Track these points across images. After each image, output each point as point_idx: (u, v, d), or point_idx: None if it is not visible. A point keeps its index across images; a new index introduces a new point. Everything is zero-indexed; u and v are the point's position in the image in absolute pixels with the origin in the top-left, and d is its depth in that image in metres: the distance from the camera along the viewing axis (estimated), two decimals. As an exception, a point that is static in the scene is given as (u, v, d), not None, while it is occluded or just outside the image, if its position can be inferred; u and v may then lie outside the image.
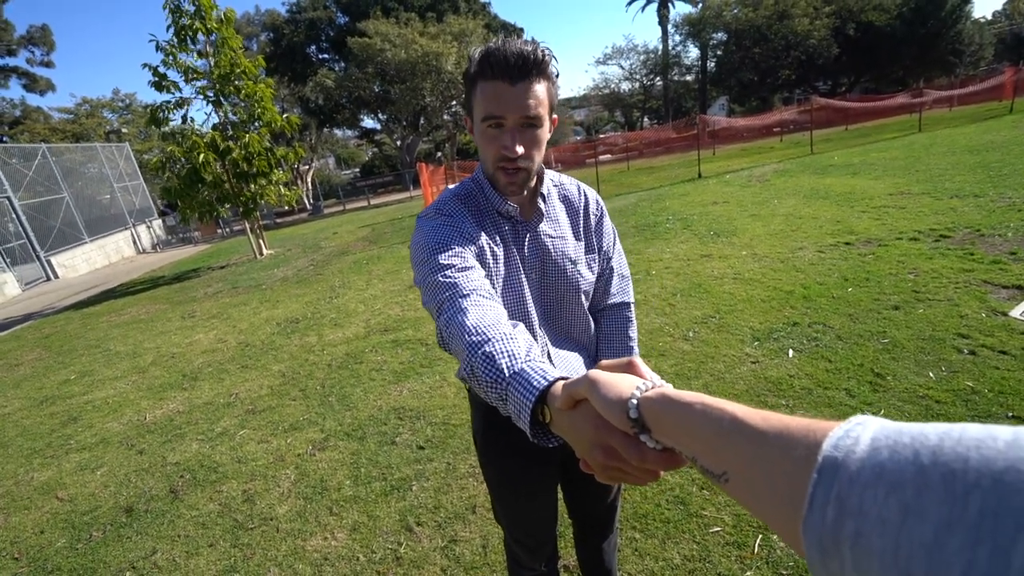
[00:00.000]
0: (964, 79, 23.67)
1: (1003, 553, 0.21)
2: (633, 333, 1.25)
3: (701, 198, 9.27)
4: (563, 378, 0.57)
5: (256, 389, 3.96)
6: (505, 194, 1.01)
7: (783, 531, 0.32)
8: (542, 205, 1.08)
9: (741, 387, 2.91)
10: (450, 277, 0.83)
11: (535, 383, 0.58)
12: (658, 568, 1.85)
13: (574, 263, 1.11)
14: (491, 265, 0.99)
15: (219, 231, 21.03)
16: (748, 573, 1.77)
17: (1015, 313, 3.25)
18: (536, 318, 1.07)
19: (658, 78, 33.88)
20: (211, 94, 10.16)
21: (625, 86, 34.88)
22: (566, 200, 1.16)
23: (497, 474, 1.23)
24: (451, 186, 1.09)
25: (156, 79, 9.50)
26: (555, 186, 1.15)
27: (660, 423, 0.42)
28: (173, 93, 9.75)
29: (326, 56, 27.87)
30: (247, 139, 9.87)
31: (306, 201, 25.38)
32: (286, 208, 24.71)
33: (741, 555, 1.85)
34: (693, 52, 32.60)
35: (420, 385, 3.55)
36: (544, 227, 1.09)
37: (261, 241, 11.83)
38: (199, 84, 10.06)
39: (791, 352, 3.20)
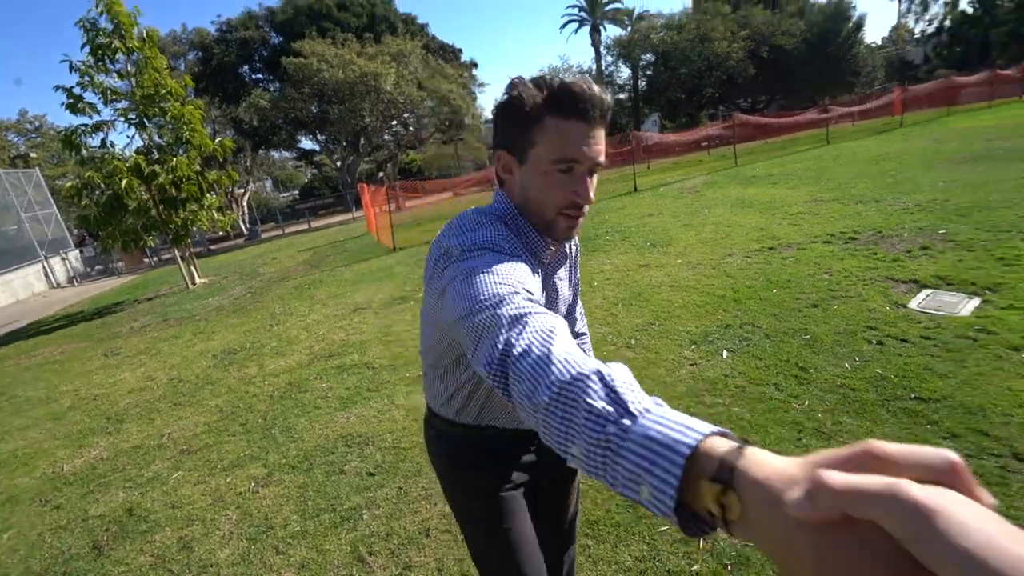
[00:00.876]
0: (862, 97, 26.17)
1: None
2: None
3: (638, 210, 9.68)
4: (747, 443, 0.36)
5: (191, 427, 3.73)
6: (558, 239, 0.94)
7: None
8: (568, 251, 1.06)
9: (681, 389, 3.05)
10: (521, 300, 0.65)
11: (686, 433, 0.37)
12: (611, 571, 1.90)
13: (565, 304, 1.09)
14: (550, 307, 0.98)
15: (146, 260, 19.71)
16: (696, 567, 1.85)
17: (913, 305, 3.61)
18: None
19: (593, 97, 35.23)
20: (133, 116, 9.60)
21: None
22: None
23: (486, 508, 1.09)
24: (479, 210, 0.94)
25: (71, 101, 8.88)
26: None
27: None
28: (90, 116, 9.13)
29: (260, 76, 27.03)
30: (175, 163, 9.38)
31: (242, 226, 24.28)
32: (220, 234, 23.56)
33: (688, 551, 1.93)
34: (625, 72, 34.24)
35: (367, 410, 3.48)
36: (560, 271, 1.06)
37: (193, 269, 11.19)
38: (120, 106, 9.48)
39: (725, 353, 3.39)
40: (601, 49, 34.64)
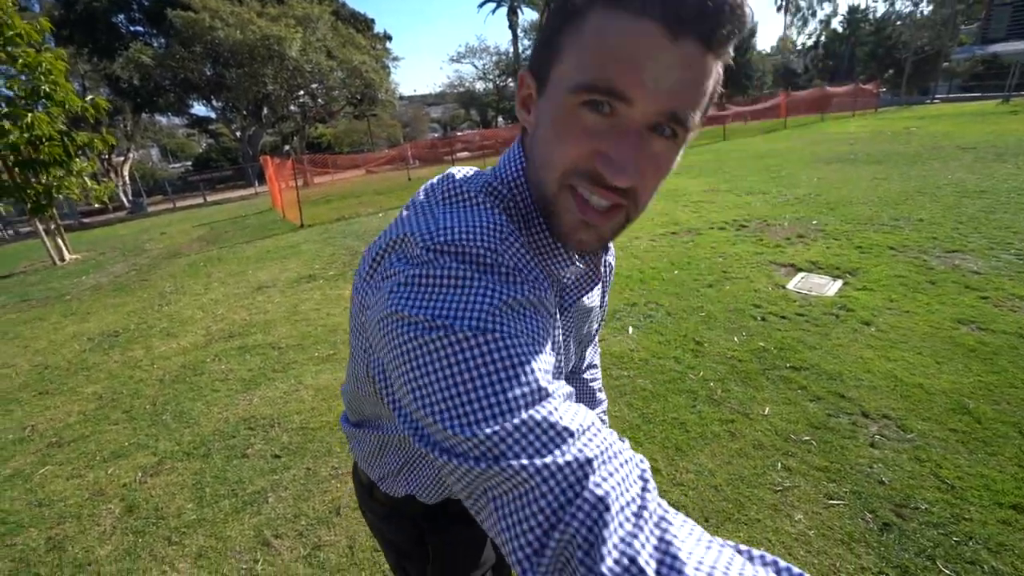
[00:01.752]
0: (755, 99, 28.70)
1: None
2: (603, 413, 0.99)
3: (555, 195, 9.92)
4: None
5: (62, 417, 3.30)
6: (565, 239, 0.53)
7: None
8: (602, 266, 0.69)
9: (591, 362, 3.21)
10: (578, 443, 0.38)
11: None
12: None
13: (581, 341, 0.77)
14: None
15: (-5, 234, 16.89)
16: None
17: (790, 286, 4.08)
18: None
19: (511, 79, 35.30)
20: (-28, 61, 8.09)
21: (479, 85, 35.75)
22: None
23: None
24: (467, 176, 0.56)
25: None
26: None
27: None
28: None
29: (140, 28, 23.84)
30: (30, 119, 8.06)
31: (123, 198, 21.52)
32: (96, 206, 20.69)
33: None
34: (543, 58, 34.60)
35: (273, 391, 3.29)
36: (586, 298, 0.70)
37: (61, 244, 9.76)
38: (-48, 47, 7.93)
39: (631, 329, 3.62)
40: (519, 32, 34.69)
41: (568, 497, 0.36)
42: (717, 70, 0.46)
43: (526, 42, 33.94)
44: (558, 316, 0.61)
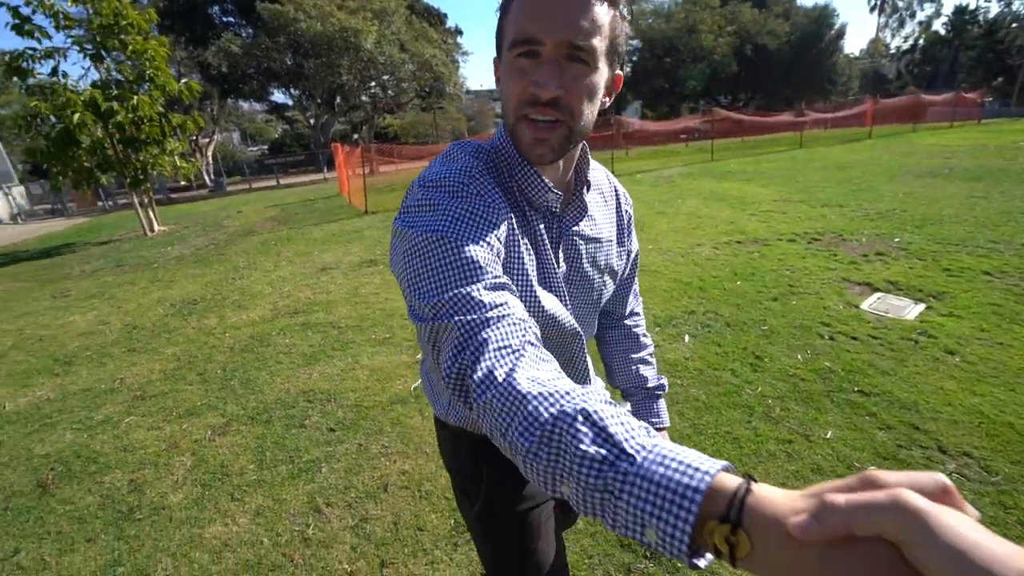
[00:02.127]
0: (837, 105, 26.94)
1: None
2: (650, 355, 1.07)
3: (615, 195, 9.76)
4: (751, 480, 0.35)
5: (146, 374, 3.62)
6: (528, 158, 0.69)
7: None
8: (586, 197, 0.80)
9: (643, 368, 3.15)
10: (485, 299, 0.55)
11: (691, 475, 0.36)
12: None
13: (602, 273, 0.87)
14: (529, 272, 0.71)
15: (100, 203, 18.63)
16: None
17: (864, 306, 3.82)
18: (582, 340, 0.84)
19: (579, 78, 35.03)
20: (90, 47, 8.94)
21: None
22: (603, 193, 0.89)
23: (514, 525, 0.93)
24: (463, 142, 0.76)
25: (17, 21, 8.18)
26: (592, 170, 0.85)
27: None
28: (40, 40, 8.45)
29: (231, 20, 25.49)
30: (135, 101, 8.84)
31: (206, 176, 23.19)
32: (183, 183, 22.43)
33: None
34: (612, 56, 34.03)
35: (331, 368, 3.45)
36: (583, 228, 0.81)
37: (152, 216, 10.67)
38: (75, 33, 8.81)
39: (687, 337, 3.51)
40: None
41: (468, 338, 0.53)
42: (609, 10, 0.62)
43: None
44: (544, 236, 0.76)
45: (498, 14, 0.68)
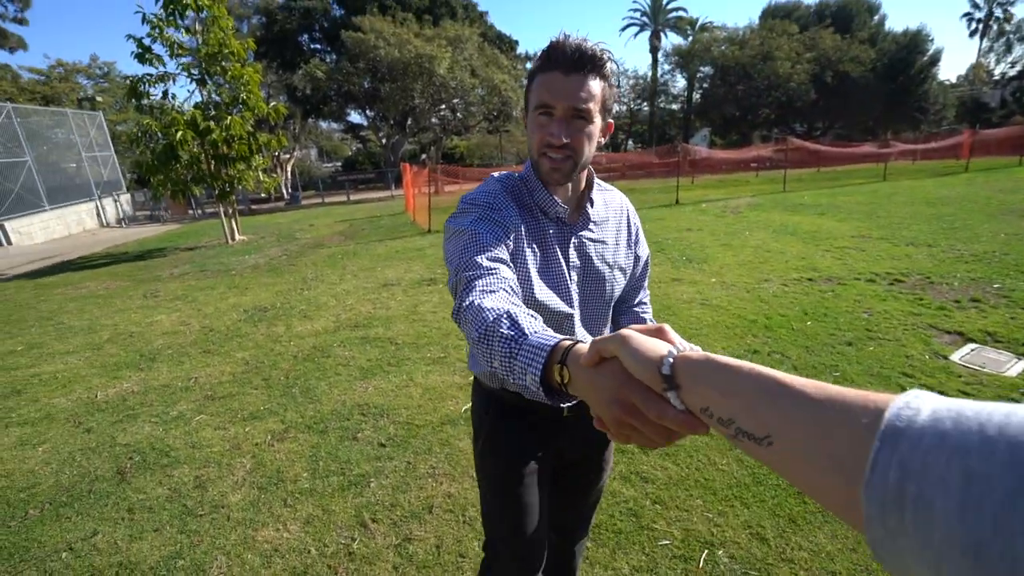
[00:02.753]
0: (927, 135, 25.07)
1: None
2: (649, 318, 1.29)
3: (677, 223, 9.53)
4: (579, 342, 0.59)
5: (217, 375, 3.88)
6: (548, 182, 1.01)
7: (827, 496, 0.33)
8: (589, 210, 1.09)
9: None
10: (483, 264, 0.86)
11: (550, 341, 0.61)
12: (607, 576, 1.90)
13: (611, 268, 1.13)
14: (530, 265, 1.01)
15: (191, 212, 20.43)
16: (692, 585, 1.84)
17: (955, 357, 3.47)
18: (578, 321, 1.10)
19: (645, 104, 34.77)
20: (196, 72, 9.95)
21: (613, 108, 35.64)
22: (610, 205, 1.17)
23: (502, 465, 1.18)
24: (496, 174, 1.10)
25: (140, 51, 9.24)
26: (599, 190, 1.14)
27: (696, 381, 0.42)
28: (156, 67, 9.50)
29: (318, 46, 27.54)
30: (229, 121, 9.68)
31: (284, 190, 24.90)
32: (263, 195, 24.15)
33: (687, 568, 1.91)
34: (680, 82, 33.64)
35: (386, 383, 3.54)
36: (589, 232, 1.10)
37: (234, 226, 11.56)
38: (184, 60, 9.83)
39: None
40: (659, 56, 34.07)
41: (468, 285, 0.83)
42: (600, 83, 0.93)
43: (666, 66, 33.21)
44: (553, 237, 1.06)
45: (525, 82, 1.01)
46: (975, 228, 7.38)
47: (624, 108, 35.22)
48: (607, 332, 1.05)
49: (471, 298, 0.79)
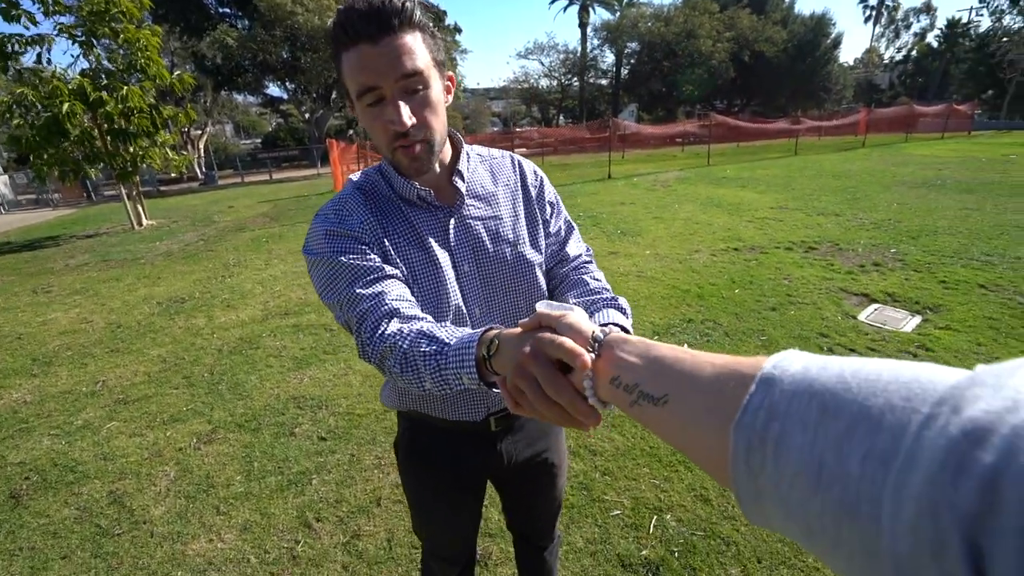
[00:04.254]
0: (831, 113, 27.15)
1: (895, 438, 0.24)
2: (598, 283, 0.99)
3: (610, 198, 9.73)
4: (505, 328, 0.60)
5: (129, 376, 3.51)
6: (411, 176, 0.86)
7: (704, 450, 0.35)
8: (460, 184, 0.91)
9: (641, 379, 3.10)
10: (364, 293, 0.76)
11: (474, 337, 0.60)
12: (562, 553, 1.92)
13: (514, 245, 0.96)
14: (402, 266, 0.86)
15: (86, 195, 18.30)
16: (644, 552, 1.90)
17: (862, 317, 3.80)
18: (473, 315, 0.94)
19: (575, 79, 34.96)
20: (79, 33, 8.73)
21: (544, 83, 35.57)
22: (499, 174, 1.00)
23: (418, 488, 1.15)
24: (354, 176, 0.94)
25: (4, 6, 7.95)
26: (481, 160, 1.00)
27: (618, 350, 0.45)
28: (27, 26, 8.23)
29: (227, 11, 25.11)
30: (125, 92, 8.63)
31: (197, 170, 22.87)
32: (173, 175, 22.08)
33: (638, 536, 1.97)
34: (609, 57, 34.07)
35: (323, 373, 3.36)
36: (470, 209, 0.93)
37: (140, 209, 10.46)
38: (63, 20, 8.59)
39: (685, 346, 3.46)
40: (588, 31, 34.22)
41: (361, 323, 0.75)
42: (418, 35, 0.75)
43: (596, 41, 33.41)
44: (424, 226, 0.90)
45: (334, 66, 0.81)
46: (873, 198, 8.11)
47: (555, 83, 35.25)
48: None
49: (372, 333, 0.73)
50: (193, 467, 2.49)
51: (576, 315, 0.51)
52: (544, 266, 1.02)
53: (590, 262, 1.06)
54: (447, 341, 0.64)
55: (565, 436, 1.28)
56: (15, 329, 4.62)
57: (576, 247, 1.06)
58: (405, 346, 0.67)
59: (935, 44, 36.33)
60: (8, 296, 5.76)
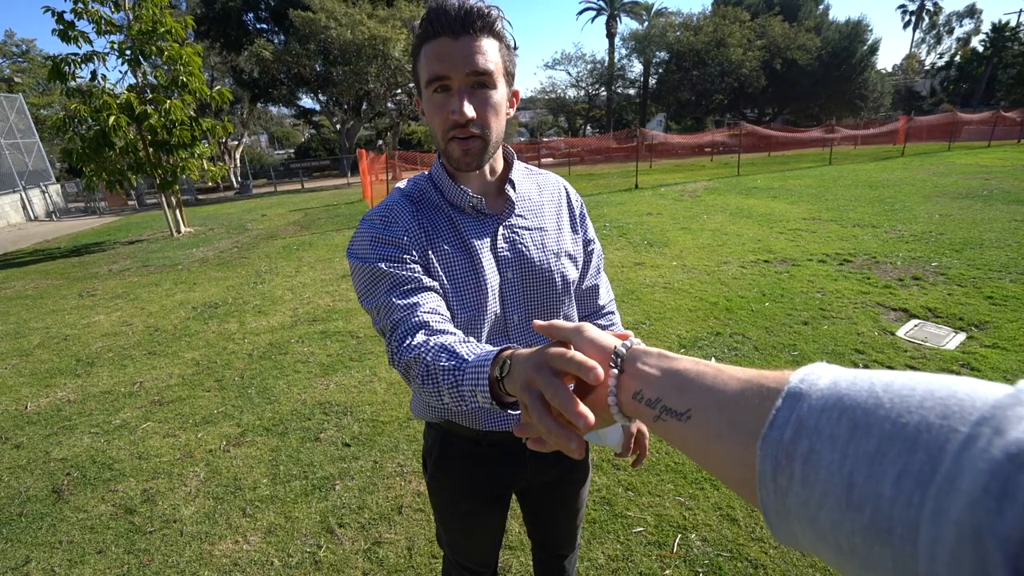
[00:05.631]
0: (867, 121, 26.34)
1: (932, 459, 0.23)
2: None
3: (637, 208, 9.64)
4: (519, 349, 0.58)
5: (164, 378, 3.63)
6: (460, 168, 0.87)
7: (730, 467, 0.34)
8: (512, 194, 0.94)
9: (667, 392, 3.04)
10: (400, 303, 0.79)
11: (489, 356, 0.60)
12: (583, 569, 1.88)
13: (558, 256, 0.99)
14: (443, 274, 0.88)
15: (130, 203, 19.16)
16: (667, 571, 1.85)
17: (900, 333, 3.65)
18: (511, 322, 0.96)
19: (603, 88, 34.89)
20: (128, 52, 9.20)
21: (571, 93, 35.59)
22: (544, 189, 1.04)
23: (446, 499, 1.15)
24: (401, 184, 0.97)
25: (62, 27, 8.46)
26: (529, 174, 1.03)
27: (642, 363, 0.44)
28: (82, 45, 8.73)
29: (264, 26, 26.12)
30: (168, 105, 9.04)
31: (233, 179, 23.70)
32: (210, 184, 22.93)
33: (661, 554, 1.92)
34: (637, 67, 33.88)
35: (348, 379, 3.41)
36: (518, 219, 0.96)
37: (179, 217, 10.89)
38: (115, 39, 9.08)
39: (713, 360, 3.38)
40: (616, 41, 34.20)
41: (393, 332, 0.78)
42: (496, 43, 0.81)
43: (623, 50, 33.33)
44: (471, 232, 0.92)
45: (412, 61, 0.86)
46: (913, 209, 7.81)
47: (582, 93, 35.29)
48: None
49: (400, 343, 0.75)
50: (222, 469, 2.56)
51: (593, 330, 0.50)
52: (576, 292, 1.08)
53: (614, 313, 1.18)
54: (466, 357, 0.63)
55: (590, 448, 1.27)
56: (62, 331, 4.85)
57: (606, 294, 1.17)
58: (428, 359, 0.68)
59: (981, 49, 34.96)
60: (57, 299, 6.06)
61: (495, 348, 0.61)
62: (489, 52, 0.80)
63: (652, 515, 2.11)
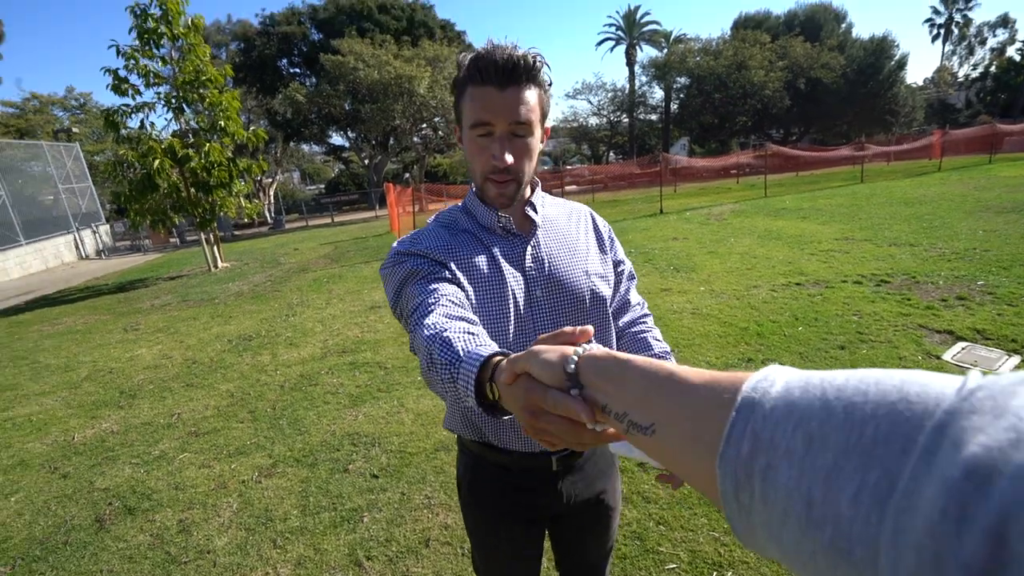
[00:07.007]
0: (899, 137, 25.74)
1: (889, 475, 0.22)
2: (660, 344, 1.14)
3: (662, 233, 9.58)
4: (506, 355, 0.58)
5: (201, 410, 3.74)
6: (495, 206, 0.96)
7: (699, 479, 0.32)
8: (534, 215, 1.01)
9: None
10: (420, 291, 0.84)
11: (478, 360, 0.59)
12: (614, 606, 1.82)
13: (587, 275, 1.03)
14: (469, 288, 0.92)
15: (172, 240, 20.13)
16: (703, 611, 1.77)
17: (947, 357, 3.47)
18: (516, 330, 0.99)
19: (624, 115, 35.25)
20: (173, 101, 9.86)
21: (593, 121, 36.07)
22: (571, 215, 1.11)
23: (480, 524, 1.15)
24: (440, 211, 1.06)
25: (116, 82, 9.14)
26: (556, 203, 1.10)
27: (597, 377, 0.42)
28: (133, 97, 9.40)
29: (297, 70, 27.60)
30: (208, 148, 9.58)
31: (267, 215, 24.69)
32: (246, 221, 23.96)
33: (696, 592, 1.84)
34: (658, 93, 34.17)
35: (377, 410, 3.45)
36: (544, 239, 1.02)
37: (217, 253, 11.38)
38: (161, 90, 9.75)
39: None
40: (636, 69, 34.68)
41: (411, 317, 0.82)
42: (536, 91, 0.88)
43: (643, 78, 33.74)
44: (500, 252, 0.98)
45: (452, 90, 0.94)
46: (954, 226, 7.51)
47: (604, 120, 35.70)
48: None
49: (416, 328, 0.77)
50: (254, 500, 2.60)
51: (542, 347, 0.48)
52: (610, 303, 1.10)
53: (649, 316, 1.20)
54: (460, 355, 0.63)
55: (620, 478, 1.25)
56: (107, 364, 5.07)
57: (636, 295, 1.20)
58: (432, 346, 0.69)
59: (1018, 58, 34.00)
60: (103, 333, 6.36)
61: (485, 352, 0.60)
62: (531, 102, 0.87)
63: (686, 551, 2.03)
